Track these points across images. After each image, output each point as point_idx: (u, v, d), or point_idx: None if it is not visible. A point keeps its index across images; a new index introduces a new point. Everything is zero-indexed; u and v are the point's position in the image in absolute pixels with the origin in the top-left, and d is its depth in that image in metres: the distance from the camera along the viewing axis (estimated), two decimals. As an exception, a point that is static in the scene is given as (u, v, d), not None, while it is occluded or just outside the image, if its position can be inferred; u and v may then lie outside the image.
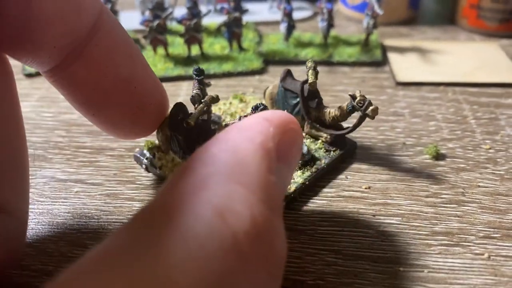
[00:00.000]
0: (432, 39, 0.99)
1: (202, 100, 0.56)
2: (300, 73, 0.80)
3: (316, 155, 0.60)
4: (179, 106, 0.55)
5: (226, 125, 0.52)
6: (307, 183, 0.56)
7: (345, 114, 0.58)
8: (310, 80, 0.58)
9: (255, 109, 0.58)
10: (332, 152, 0.60)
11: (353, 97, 0.56)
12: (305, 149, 0.59)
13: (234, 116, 0.70)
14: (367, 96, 0.54)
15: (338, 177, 0.60)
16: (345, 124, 0.61)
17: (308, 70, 0.59)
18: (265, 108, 0.58)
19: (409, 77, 0.82)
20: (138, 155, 0.61)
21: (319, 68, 0.61)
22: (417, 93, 0.79)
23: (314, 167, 0.58)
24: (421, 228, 0.52)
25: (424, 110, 0.74)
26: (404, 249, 0.50)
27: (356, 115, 0.58)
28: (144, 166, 0.61)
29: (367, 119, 0.56)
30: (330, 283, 0.46)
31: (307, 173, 0.57)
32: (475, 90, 0.79)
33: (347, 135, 0.61)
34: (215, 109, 0.73)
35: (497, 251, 0.49)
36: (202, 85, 0.64)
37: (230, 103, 0.74)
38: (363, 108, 0.55)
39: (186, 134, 0.55)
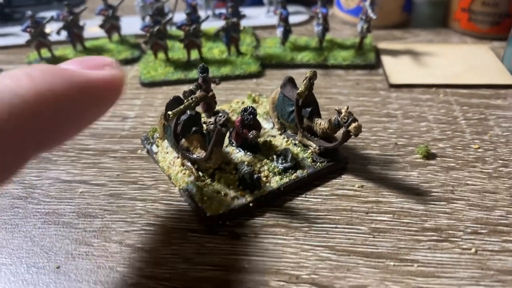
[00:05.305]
0: (425, 42, 1.01)
1: (192, 97, 0.58)
2: (296, 76, 0.82)
3: (302, 163, 0.61)
4: (176, 99, 0.60)
5: (204, 123, 0.55)
6: (281, 189, 0.58)
7: (332, 128, 0.59)
8: (299, 90, 0.60)
9: (245, 111, 0.60)
10: (318, 163, 0.62)
11: (339, 112, 0.57)
12: (289, 156, 0.61)
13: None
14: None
15: (332, 175, 0.62)
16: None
17: (304, 80, 0.61)
18: (254, 110, 0.60)
19: (402, 79, 0.84)
20: (143, 139, 0.68)
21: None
22: (410, 94, 0.81)
23: (295, 175, 0.59)
24: (412, 224, 0.54)
25: (416, 111, 0.76)
26: (395, 244, 0.52)
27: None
28: (146, 149, 0.67)
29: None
30: (324, 277, 0.48)
31: (285, 180, 0.59)
32: (466, 91, 0.82)
33: (341, 149, 0.62)
34: (225, 106, 0.76)
35: (484, 246, 0.52)
36: (206, 83, 0.67)
37: (243, 102, 0.76)
38: (346, 124, 0.56)
39: (175, 125, 0.59)
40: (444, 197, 0.58)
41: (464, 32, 1.03)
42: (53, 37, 0.94)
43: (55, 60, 0.93)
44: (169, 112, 0.56)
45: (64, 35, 0.94)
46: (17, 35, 1.06)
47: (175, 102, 0.60)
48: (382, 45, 0.98)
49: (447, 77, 0.85)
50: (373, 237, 0.53)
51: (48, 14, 1.12)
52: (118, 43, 0.99)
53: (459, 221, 0.55)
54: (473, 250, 0.51)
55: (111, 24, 0.97)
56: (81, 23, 0.95)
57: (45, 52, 0.94)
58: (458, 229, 0.54)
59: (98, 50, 0.97)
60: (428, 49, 0.96)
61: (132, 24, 1.07)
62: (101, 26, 0.97)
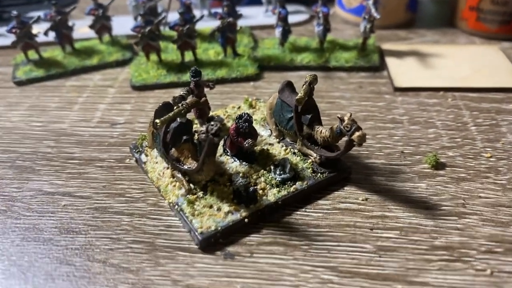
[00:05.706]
0: (431, 42, 0.97)
1: (182, 103, 0.54)
2: (296, 78, 0.78)
3: (302, 174, 0.57)
4: (165, 106, 0.56)
5: (195, 132, 0.51)
6: (279, 202, 0.54)
7: (334, 136, 0.55)
8: (298, 96, 0.56)
9: (239, 118, 0.56)
10: (319, 174, 0.57)
11: (341, 120, 0.53)
12: (287, 166, 0.57)
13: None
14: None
15: (334, 187, 0.58)
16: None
17: (303, 85, 0.57)
18: (249, 117, 0.56)
19: (408, 82, 0.80)
20: (132, 147, 0.64)
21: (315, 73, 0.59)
22: (416, 99, 0.77)
23: (294, 187, 0.55)
24: (420, 242, 0.50)
25: (423, 116, 0.72)
26: (403, 265, 0.48)
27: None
28: (134, 158, 0.63)
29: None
30: (325, 303, 0.44)
31: (283, 192, 0.55)
32: (476, 95, 0.77)
33: (343, 158, 0.58)
34: (220, 111, 0.72)
35: (500, 266, 0.47)
36: (199, 87, 0.63)
37: (239, 107, 0.73)
38: (349, 133, 0.52)
39: (164, 133, 0.55)
40: (455, 212, 0.54)
41: (472, 32, 0.99)
42: (41, 38, 0.90)
43: (43, 62, 0.89)
44: (157, 120, 0.52)
45: (52, 36, 0.90)
46: (5, 35, 1.02)
47: (164, 108, 0.56)
48: (386, 46, 0.94)
49: (455, 80, 0.81)
50: (379, 257, 0.49)
51: (38, 14, 1.08)
52: (109, 44, 0.95)
53: (472, 238, 0.51)
54: (488, 271, 0.47)
55: (101, 24, 0.93)
56: (70, 23, 0.91)
57: (32, 54, 0.90)
58: (471, 247, 0.50)
59: (88, 52, 0.92)
60: (435, 50, 0.91)
61: (124, 24, 1.02)
62: (91, 27, 0.92)
